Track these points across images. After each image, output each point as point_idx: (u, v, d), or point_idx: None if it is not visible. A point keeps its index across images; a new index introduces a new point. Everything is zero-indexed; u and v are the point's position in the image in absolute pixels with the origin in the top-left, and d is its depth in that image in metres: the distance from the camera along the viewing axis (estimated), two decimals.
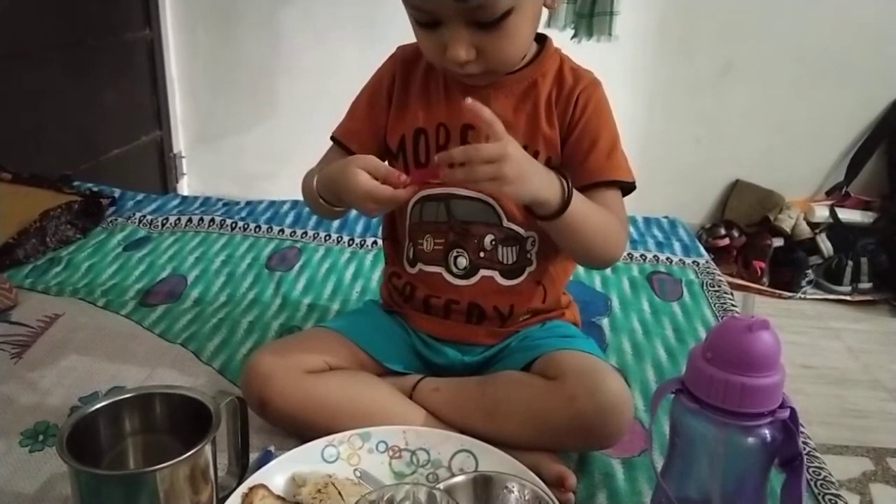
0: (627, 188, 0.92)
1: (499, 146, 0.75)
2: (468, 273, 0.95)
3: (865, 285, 2.29)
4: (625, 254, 1.48)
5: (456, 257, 0.94)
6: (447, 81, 0.93)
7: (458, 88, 0.91)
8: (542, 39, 0.93)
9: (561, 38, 1.94)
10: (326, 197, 0.89)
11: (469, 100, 0.76)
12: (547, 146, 0.91)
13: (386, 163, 0.97)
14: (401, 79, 0.95)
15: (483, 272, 0.95)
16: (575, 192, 0.83)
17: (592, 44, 2.10)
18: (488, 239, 0.93)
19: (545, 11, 0.90)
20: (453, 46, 0.82)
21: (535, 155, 0.90)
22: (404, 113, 0.95)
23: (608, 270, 1.40)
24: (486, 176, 0.75)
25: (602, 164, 0.90)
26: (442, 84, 0.93)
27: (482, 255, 0.94)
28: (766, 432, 0.62)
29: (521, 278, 0.96)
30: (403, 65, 0.96)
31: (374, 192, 0.80)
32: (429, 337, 0.98)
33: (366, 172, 0.80)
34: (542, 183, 0.79)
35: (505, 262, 0.94)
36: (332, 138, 0.99)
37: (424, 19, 0.83)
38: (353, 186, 0.80)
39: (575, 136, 0.91)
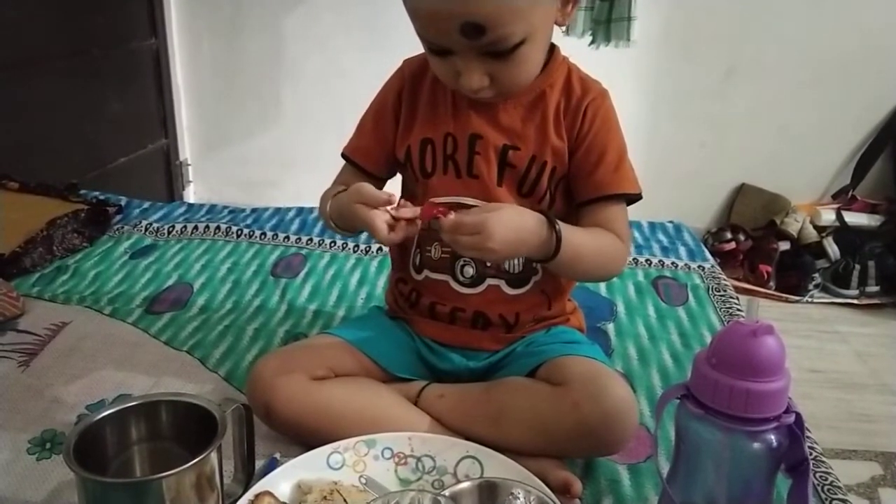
0: (633, 198, 0.93)
1: (480, 224, 0.79)
2: (475, 282, 0.95)
3: (873, 289, 2.29)
4: (630, 259, 1.48)
5: (463, 266, 0.95)
6: (454, 92, 0.93)
7: (466, 99, 0.92)
8: (549, 48, 0.93)
9: (579, 45, 1.96)
10: (342, 225, 0.91)
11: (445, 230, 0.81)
12: (555, 157, 0.91)
13: (388, 184, 0.98)
14: (408, 93, 0.96)
15: (489, 281, 0.95)
16: (566, 230, 0.85)
17: (595, 49, 2.10)
18: None
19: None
20: (466, 75, 0.83)
21: (544, 166, 0.91)
22: (412, 125, 0.95)
23: None
24: (468, 246, 0.80)
25: (609, 177, 0.91)
26: (449, 94, 0.93)
27: (489, 264, 0.94)
28: (772, 437, 0.62)
29: (527, 287, 0.96)
30: (411, 78, 0.96)
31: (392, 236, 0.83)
32: (434, 342, 0.98)
33: (366, 207, 0.83)
34: (529, 247, 0.84)
35: (511, 271, 0.95)
36: (343, 155, 1.00)
37: (436, 48, 0.84)
38: (370, 227, 0.83)
39: (583, 150, 0.91)
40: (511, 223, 0.81)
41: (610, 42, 2.10)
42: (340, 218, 0.90)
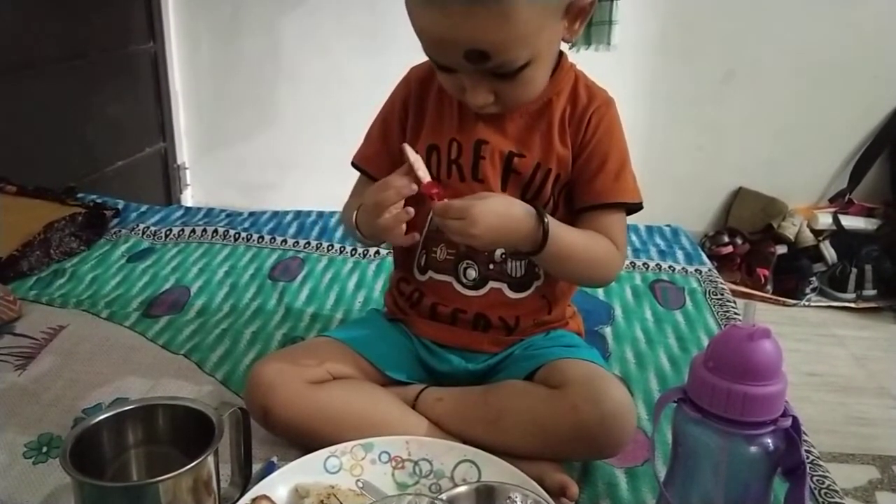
0: (634, 208, 0.93)
1: (465, 209, 0.81)
2: (477, 284, 0.95)
3: (870, 292, 2.29)
4: (627, 262, 1.48)
5: (466, 268, 0.95)
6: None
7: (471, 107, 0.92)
8: (557, 54, 0.93)
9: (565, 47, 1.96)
10: (366, 232, 0.91)
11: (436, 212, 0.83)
12: (559, 164, 0.92)
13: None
14: (415, 100, 0.96)
15: (492, 284, 0.95)
16: (557, 226, 0.85)
17: (594, 53, 2.10)
18: (499, 251, 0.94)
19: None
20: (472, 94, 0.84)
21: (548, 173, 0.91)
22: (419, 132, 0.95)
23: None
24: (453, 230, 0.82)
25: (609, 185, 0.91)
26: (455, 101, 0.93)
27: (492, 267, 0.94)
28: (769, 441, 0.62)
29: (529, 291, 0.96)
30: (418, 86, 0.96)
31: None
32: (433, 343, 0.98)
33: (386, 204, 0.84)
34: (516, 236, 0.84)
35: (514, 274, 0.95)
36: (353, 164, 1.01)
37: (442, 66, 0.84)
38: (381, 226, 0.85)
39: (585, 156, 0.91)
40: (497, 211, 0.82)
41: (591, 45, 2.10)
42: (371, 232, 0.90)
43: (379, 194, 0.85)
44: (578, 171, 0.92)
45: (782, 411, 0.62)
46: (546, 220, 0.84)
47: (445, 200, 0.83)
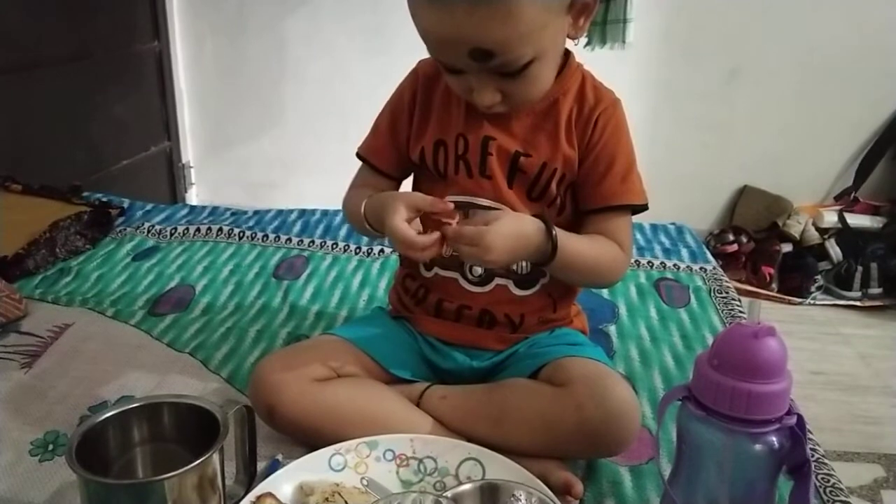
0: (639, 209, 0.93)
1: (478, 237, 0.80)
2: (483, 280, 0.95)
3: (875, 290, 2.28)
4: (631, 261, 1.47)
5: (472, 265, 0.95)
6: None
7: None
8: (564, 53, 0.93)
9: (573, 46, 1.96)
10: (375, 225, 0.90)
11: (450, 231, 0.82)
12: (565, 164, 0.92)
13: (411, 178, 0.99)
14: (423, 93, 0.96)
15: (498, 280, 0.95)
16: (565, 237, 0.86)
17: (599, 50, 2.10)
18: None
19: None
20: (479, 93, 0.84)
21: (554, 172, 0.91)
22: (425, 126, 0.95)
23: None
24: (468, 256, 0.82)
25: (616, 188, 0.91)
26: (462, 98, 0.93)
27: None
28: (774, 439, 0.62)
29: (535, 289, 0.96)
30: (425, 80, 0.96)
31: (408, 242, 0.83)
32: (437, 341, 0.98)
33: (405, 226, 0.82)
34: (528, 252, 0.86)
35: (520, 272, 0.95)
36: (358, 155, 1.01)
37: (448, 67, 0.84)
38: (394, 235, 0.83)
39: (592, 158, 0.91)
40: (509, 233, 0.82)
41: (605, 44, 2.10)
42: (378, 222, 0.89)
43: (404, 242, 0.83)
44: (585, 174, 0.92)
45: (787, 409, 0.62)
46: (554, 233, 0.85)
47: (456, 226, 0.82)
